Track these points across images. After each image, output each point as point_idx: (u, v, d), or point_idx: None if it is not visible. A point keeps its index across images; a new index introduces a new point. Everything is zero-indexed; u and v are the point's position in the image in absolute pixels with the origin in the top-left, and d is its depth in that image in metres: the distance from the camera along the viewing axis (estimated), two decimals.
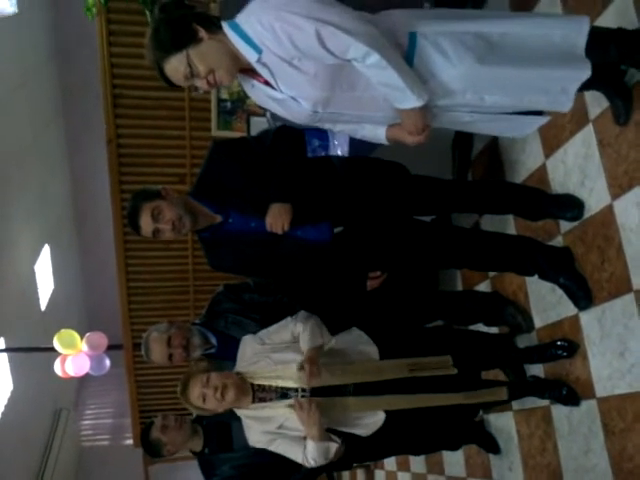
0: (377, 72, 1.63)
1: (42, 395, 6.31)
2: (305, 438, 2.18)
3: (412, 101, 1.67)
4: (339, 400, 2.20)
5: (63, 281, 7.12)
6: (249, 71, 1.78)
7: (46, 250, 6.60)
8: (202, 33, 1.70)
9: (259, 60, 1.68)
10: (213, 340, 2.57)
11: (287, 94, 1.76)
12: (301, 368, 2.08)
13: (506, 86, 1.75)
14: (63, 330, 4.73)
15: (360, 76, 1.68)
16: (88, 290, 7.81)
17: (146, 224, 2.12)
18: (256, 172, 2.14)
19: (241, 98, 4.07)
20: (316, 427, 2.09)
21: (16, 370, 5.57)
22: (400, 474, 4.28)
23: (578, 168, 2.36)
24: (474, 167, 3.23)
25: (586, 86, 1.83)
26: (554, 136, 2.50)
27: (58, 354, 4.75)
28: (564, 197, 2.42)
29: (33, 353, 5.34)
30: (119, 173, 4.29)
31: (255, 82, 1.81)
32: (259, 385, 2.24)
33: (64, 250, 7.19)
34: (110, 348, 4.90)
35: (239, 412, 2.31)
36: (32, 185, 6.09)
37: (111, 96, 4.08)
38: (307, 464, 2.21)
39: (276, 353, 2.27)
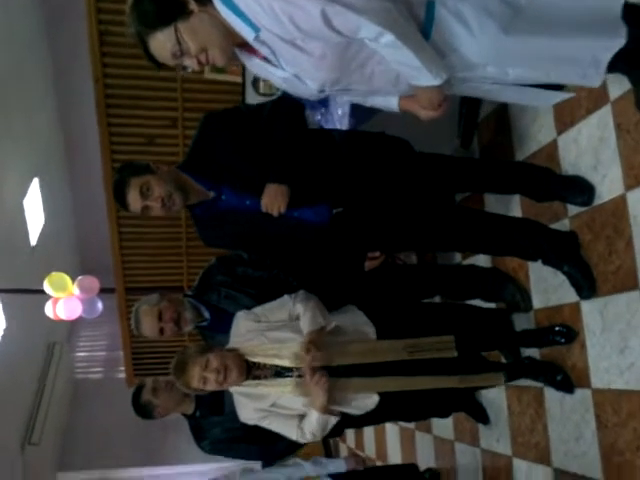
0: (392, 51, 1.46)
1: (35, 330, 6.35)
2: (299, 416, 2.16)
3: (429, 79, 1.53)
4: (336, 381, 2.17)
5: (53, 215, 6.99)
6: (246, 45, 1.60)
7: (35, 184, 6.43)
8: (192, 5, 1.50)
9: (257, 38, 1.50)
10: (206, 314, 2.50)
11: (290, 72, 1.59)
12: (307, 351, 2.02)
13: (532, 58, 1.59)
14: (54, 273, 4.66)
15: (371, 53, 1.52)
16: (80, 224, 7.70)
17: (134, 200, 2.00)
18: (251, 148, 2.00)
19: None
20: (324, 397, 2.04)
21: (8, 306, 5.56)
22: (389, 427, 4.38)
23: (592, 150, 2.23)
24: (480, 131, 3.07)
25: (611, 66, 1.66)
26: (569, 112, 2.34)
27: (49, 297, 4.71)
28: (574, 179, 2.29)
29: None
30: (107, 115, 4.10)
31: (254, 58, 1.64)
32: (254, 362, 2.20)
33: (54, 183, 7.01)
34: (102, 291, 4.86)
35: (231, 388, 2.28)
36: (17, 116, 5.85)
37: (97, 32, 3.83)
38: (302, 439, 2.20)
39: (272, 331, 2.20)
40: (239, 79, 3.72)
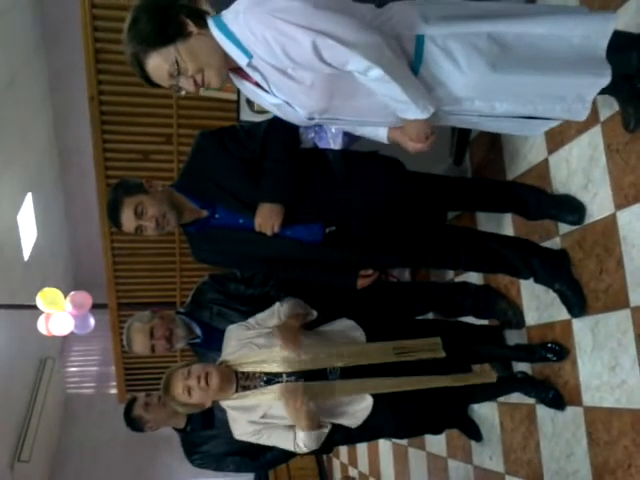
0: (380, 85, 1.50)
1: (27, 345, 6.30)
2: (293, 426, 2.16)
3: (416, 113, 1.56)
4: (325, 384, 2.16)
5: (47, 230, 6.96)
6: (239, 70, 1.63)
7: (29, 199, 6.42)
8: (191, 27, 1.53)
9: (249, 64, 1.53)
10: (198, 331, 2.51)
11: (281, 99, 1.62)
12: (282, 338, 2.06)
13: (519, 94, 1.62)
14: (46, 288, 4.64)
15: (360, 85, 1.55)
16: (73, 239, 7.68)
17: (128, 220, 2.01)
18: (245, 167, 2.02)
19: None
20: (304, 420, 2.07)
21: (0, 321, 5.52)
22: (382, 442, 4.36)
23: (582, 170, 2.26)
24: (472, 149, 3.11)
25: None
26: (559, 132, 2.37)
27: (41, 312, 4.69)
28: (565, 198, 2.32)
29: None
30: (102, 132, 4.11)
31: (246, 83, 1.67)
32: (243, 373, 2.19)
33: (48, 199, 7.00)
34: (95, 307, 4.84)
35: (223, 404, 2.27)
36: (12, 131, 5.85)
37: (93, 50, 3.85)
38: (299, 450, 2.20)
39: (261, 338, 2.22)
40: (234, 96, 3.75)
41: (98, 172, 4.21)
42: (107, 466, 6.98)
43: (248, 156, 1.99)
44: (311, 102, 1.59)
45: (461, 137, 3.07)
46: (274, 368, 2.14)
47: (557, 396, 2.37)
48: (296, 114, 1.66)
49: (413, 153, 1.73)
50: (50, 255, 7.14)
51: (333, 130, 2.52)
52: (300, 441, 2.14)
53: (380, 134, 1.80)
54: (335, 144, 2.53)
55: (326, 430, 2.15)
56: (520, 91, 1.61)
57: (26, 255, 6.36)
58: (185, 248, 4.69)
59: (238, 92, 3.87)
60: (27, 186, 6.35)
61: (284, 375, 2.13)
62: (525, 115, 1.69)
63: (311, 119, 1.67)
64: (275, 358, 2.13)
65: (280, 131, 1.99)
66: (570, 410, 2.32)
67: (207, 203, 2.08)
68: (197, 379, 2.10)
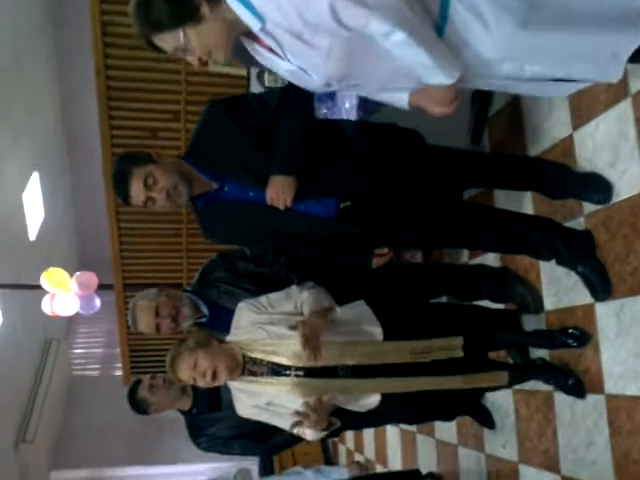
0: (402, 50, 1.40)
1: (32, 326, 6.26)
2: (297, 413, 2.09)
3: (442, 78, 1.46)
4: (335, 382, 2.08)
5: (53, 210, 6.89)
6: (253, 34, 1.54)
7: (35, 177, 6.35)
8: (205, 9, 1.45)
9: (263, 29, 1.43)
10: (204, 309, 2.43)
11: (296, 65, 1.52)
12: (304, 343, 1.89)
13: (550, 55, 1.52)
14: (51, 268, 4.58)
15: (381, 49, 1.44)
16: (79, 219, 7.61)
17: (137, 192, 1.91)
18: (257, 137, 1.92)
19: None
20: (321, 435, 2.06)
21: (5, 302, 5.47)
22: (389, 428, 4.29)
23: (610, 146, 2.14)
24: (491, 126, 2.99)
25: (631, 58, 1.59)
26: (586, 105, 2.26)
27: (46, 292, 4.63)
28: (591, 176, 2.21)
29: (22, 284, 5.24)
30: (109, 108, 4.02)
31: (259, 48, 1.57)
32: (250, 358, 2.12)
33: (54, 177, 6.92)
34: (100, 288, 4.77)
35: (229, 384, 2.20)
36: (19, 109, 5.76)
37: (100, 23, 3.75)
38: (304, 437, 2.15)
39: (273, 326, 2.10)
40: (244, 72, 3.65)
41: (104, 150, 4.13)
42: (112, 449, 6.95)
43: (260, 126, 1.89)
44: (328, 68, 1.49)
45: (479, 113, 2.95)
46: (283, 361, 2.05)
47: (577, 383, 2.28)
48: (312, 81, 1.56)
49: (437, 116, 1.63)
50: (56, 235, 7.08)
51: (347, 105, 2.41)
52: (307, 435, 2.10)
53: (401, 99, 1.69)
54: (346, 115, 2.42)
55: (335, 428, 2.09)
56: (552, 51, 1.50)
57: (32, 235, 6.30)
58: (193, 229, 4.61)
59: (248, 68, 3.77)
60: (34, 165, 6.27)
61: (292, 369, 2.05)
62: (555, 78, 1.59)
63: (328, 86, 1.57)
64: (286, 352, 2.03)
65: (294, 99, 1.89)
66: (591, 398, 2.23)
67: (216, 175, 1.99)
68: (203, 375, 2.02)
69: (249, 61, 1.61)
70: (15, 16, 5.46)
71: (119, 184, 1.93)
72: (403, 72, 1.52)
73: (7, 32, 5.32)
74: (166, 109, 4.05)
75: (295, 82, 1.63)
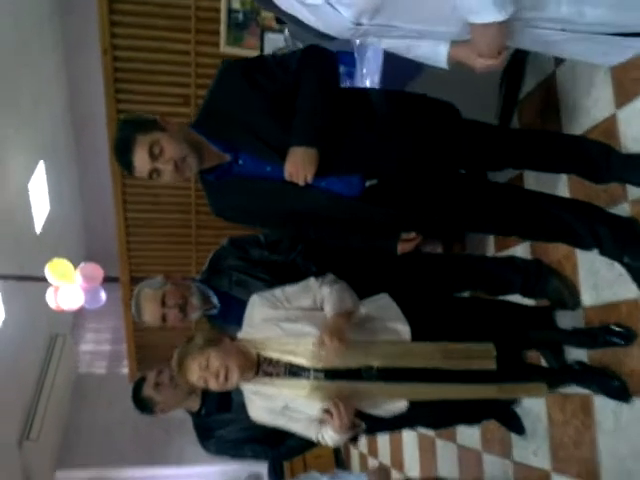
0: None
1: (37, 320, 6.11)
2: (318, 419, 1.90)
3: (492, 14, 1.24)
4: (358, 385, 1.89)
5: (59, 200, 6.74)
6: None
7: (41, 167, 6.20)
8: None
9: None
10: (215, 300, 2.24)
11: None
12: (322, 342, 1.73)
13: None
14: (55, 259, 4.41)
15: None
16: (86, 209, 7.46)
17: (142, 162, 1.72)
18: (275, 104, 1.72)
19: (255, 9, 3.57)
20: (346, 434, 1.86)
21: (9, 296, 5.33)
22: (405, 432, 4.08)
23: None
24: (521, 109, 2.78)
25: None
26: (633, 80, 2.04)
27: (50, 284, 4.46)
28: (637, 158, 2.01)
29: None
30: (115, 90, 3.85)
31: None
32: (265, 358, 1.92)
33: (61, 167, 6.77)
34: (106, 280, 4.61)
35: (241, 386, 2.01)
36: (26, 96, 5.63)
37: (107, 1, 3.58)
38: (323, 443, 1.97)
39: (289, 323, 1.90)
40: (256, 53, 3.48)
41: (111, 136, 3.96)
42: (117, 449, 6.81)
43: (279, 90, 1.69)
44: None
45: (509, 95, 2.75)
46: (302, 362, 1.85)
47: (621, 386, 2.07)
48: (338, 19, 1.33)
49: (482, 72, 1.43)
50: (62, 226, 6.94)
51: (364, 70, 2.19)
52: (329, 439, 1.91)
53: (439, 53, 1.49)
54: (369, 83, 2.21)
55: (361, 430, 1.91)
56: None
57: (38, 225, 6.16)
58: (202, 220, 4.44)
59: (261, 48, 3.59)
60: (40, 154, 6.13)
61: (312, 371, 1.85)
62: (615, 31, 1.38)
63: (358, 25, 1.36)
64: (304, 352, 1.84)
65: (317, 61, 1.70)
66: (638, 402, 2.02)
67: (230, 146, 1.80)
68: (215, 375, 1.83)
69: (267, 3, 1.39)
70: (22, 5, 5.32)
71: (121, 153, 1.74)
72: (447, 9, 1.31)
73: (13, 20, 5.18)
74: (175, 92, 3.88)
75: (320, 24, 1.41)
